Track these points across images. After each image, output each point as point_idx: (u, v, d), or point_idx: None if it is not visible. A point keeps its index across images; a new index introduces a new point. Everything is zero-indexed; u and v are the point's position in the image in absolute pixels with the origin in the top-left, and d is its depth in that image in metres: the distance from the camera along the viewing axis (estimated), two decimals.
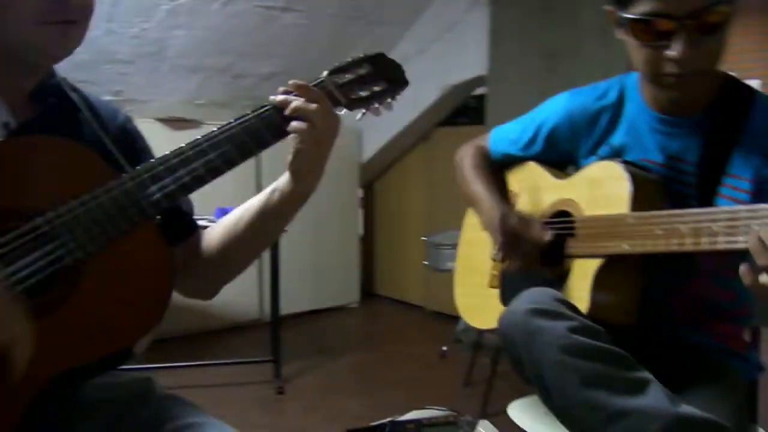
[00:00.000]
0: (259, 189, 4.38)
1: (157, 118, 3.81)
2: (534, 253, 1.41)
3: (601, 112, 1.44)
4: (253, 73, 4.12)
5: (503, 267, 1.53)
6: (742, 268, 1.03)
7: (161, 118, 3.84)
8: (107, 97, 1.05)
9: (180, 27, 3.55)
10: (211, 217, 3.09)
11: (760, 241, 1.00)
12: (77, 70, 1.00)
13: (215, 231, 1.17)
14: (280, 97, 1.04)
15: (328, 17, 3.94)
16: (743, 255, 1.23)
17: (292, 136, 1.04)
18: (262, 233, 1.15)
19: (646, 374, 1.11)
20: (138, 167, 0.99)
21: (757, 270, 1.01)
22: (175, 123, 3.87)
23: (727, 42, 1.20)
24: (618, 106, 1.43)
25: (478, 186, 1.59)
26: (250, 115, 1.04)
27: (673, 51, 1.16)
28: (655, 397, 1.07)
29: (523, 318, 1.16)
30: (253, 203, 1.13)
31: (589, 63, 3.26)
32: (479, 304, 1.59)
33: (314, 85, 1.07)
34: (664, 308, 1.34)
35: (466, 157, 1.68)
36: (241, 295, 4.24)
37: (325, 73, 1.09)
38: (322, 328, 4.49)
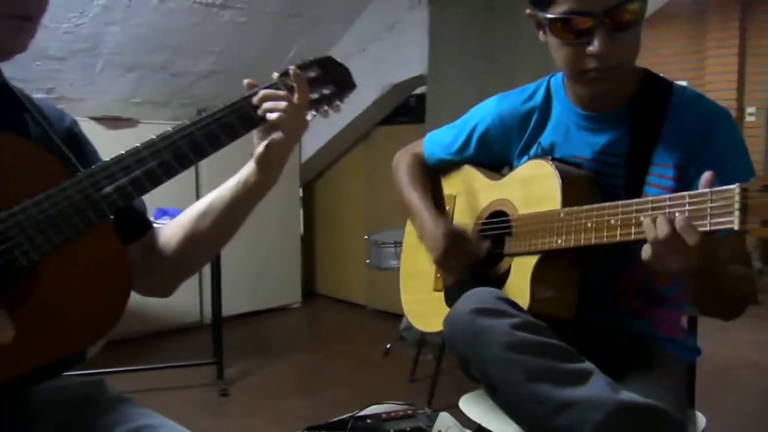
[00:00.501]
0: (198, 189, 4.30)
1: (91, 116, 3.71)
2: (468, 267, 1.45)
3: (530, 114, 1.49)
4: (191, 71, 4.04)
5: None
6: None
7: (96, 116, 3.74)
8: (38, 95, 1.04)
9: (115, 23, 3.46)
10: (150, 219, 3.02)
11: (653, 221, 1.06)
12: (6, 66, 0.97)
13: (173, 228, 1.17)
14: (263, 92, 1.07)
15: (267, 15, 3.91)
16: None
17: (257, 130, 1.08)
18: (228, 227, 1.16)
19: (588, 365, 1.15)
20: (93, 166, 0.97)
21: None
22: (111, 122, 3.77)
23: (640, 37, 1.27)
24: (545, 106, 1.48)
25: (413, 196, 1.63)
26: (206, 116, 1.05)
27: (593, 47, 1.22)
28: (597, 387, 1.11)
29: (468, 318, 1.19)
30: (219, 197, 1.14)
31: (528, 63, 3.31)
32: (426, 308, 1.61)
33: (265, 88, 1.09)
34: (602, 298, 1.39)
35: (401, 164, 1.71)
36: (180, 296, 4.11)
37: (275, 75, 1.11)
38: (264, 329, 4.45)
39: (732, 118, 1.36)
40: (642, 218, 1.09)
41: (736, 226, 0.97)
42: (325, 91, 1.14)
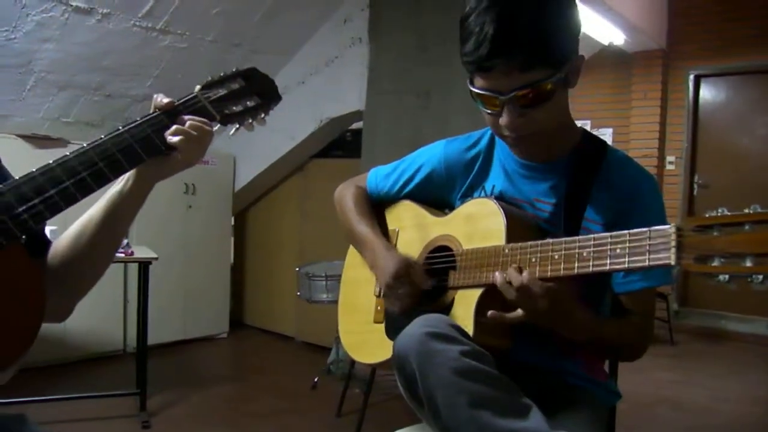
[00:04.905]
0: None
1: (18, 134, 3.60)
2: (416, 297, 1.48)
3: (475, 159, 1.56)
4: (126, 93, 3.98)
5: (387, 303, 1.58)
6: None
7: (23, 134, 3.64)
8: None
9: (50, 40, 3.39)
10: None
11: (505, 279, 1.22)
12: None
13: (59, 247, 1.13)
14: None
15: (208, 42, 3.90)
16: (604, 285, 1.38)
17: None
18: (113, 238, 1.13)
19: (528, 400, 1.19)
20: (1, 185, 0.95)
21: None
22: (39, 141, 3.67)
23: (556, 108, 1.34)
24: (489, 152, 1.55)
25: (362, 226, 1.65)
26: (122, 131, 1.05)
27: (502, 120, 1.32)
28: (535, 422, 1.15)
29: (420, 340, 1.21)
30: (93, 215, 1.11)
31: (460, 102, 3.41)
32: (365, 340, 1.62)
33: (187, 101, 1.09)
34: (537, 334, 1.43)
35: (347, 196, 1.73)
36: (103, 323, 4.04)
37: (197, 87, 1.11)
38: (189, 360, 4.35)
39: (656, 180, 1.47)
40: (611, 255, 1.14)
41: (672, 262, 1.04)
42: (250, 104, 1.13)
